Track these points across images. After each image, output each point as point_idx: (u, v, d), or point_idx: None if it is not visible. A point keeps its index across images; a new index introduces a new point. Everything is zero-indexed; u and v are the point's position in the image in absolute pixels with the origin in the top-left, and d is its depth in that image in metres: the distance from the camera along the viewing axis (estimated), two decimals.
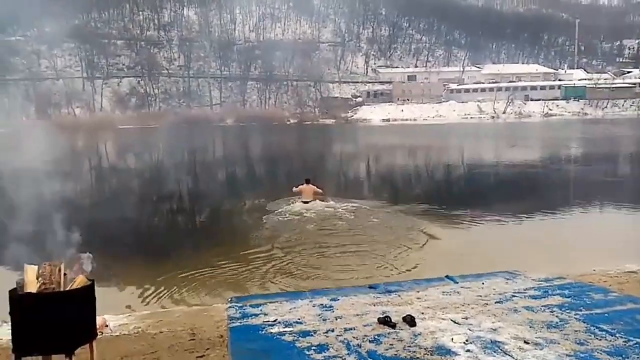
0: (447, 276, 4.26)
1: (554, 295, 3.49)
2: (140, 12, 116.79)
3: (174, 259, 8.13)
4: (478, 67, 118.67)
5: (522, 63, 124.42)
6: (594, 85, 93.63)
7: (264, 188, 15.51)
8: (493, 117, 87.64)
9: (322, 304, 3.40)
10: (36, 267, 3.05)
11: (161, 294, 6.60)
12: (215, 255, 8.32)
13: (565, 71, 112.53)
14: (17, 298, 2.99)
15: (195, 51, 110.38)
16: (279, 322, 3.05)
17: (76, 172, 25.11)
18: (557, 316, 3.05)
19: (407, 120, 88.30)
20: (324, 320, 3.08)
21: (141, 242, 9.88)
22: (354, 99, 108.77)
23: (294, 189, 12.81)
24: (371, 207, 12.22)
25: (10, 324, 3.07)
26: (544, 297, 3.45)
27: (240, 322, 3.11)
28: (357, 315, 3.15)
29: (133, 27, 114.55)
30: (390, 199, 13.33)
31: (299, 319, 3.10)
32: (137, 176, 23.24)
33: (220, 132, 62.97)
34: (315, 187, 12.74)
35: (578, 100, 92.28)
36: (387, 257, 7.90)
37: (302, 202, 12.40)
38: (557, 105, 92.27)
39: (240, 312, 3.28)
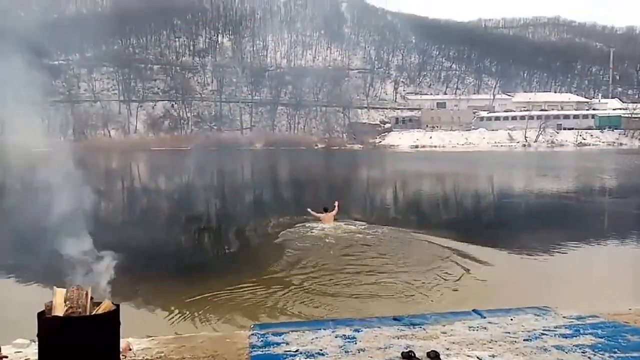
0: (474, 310, 4.16)
1: (587, 334, 3.35)
2: (177, 39, 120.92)
3: (198, 282, 8.17)
4: (509, 95, 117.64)
5: (555, 92, 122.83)
6: (630, 115, 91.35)
7: (290, 211, 15.53)
8: (524, 146, 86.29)
9: (344, 335, 3.36)
10: (64, 290, 3.12)
11: (185, 317, 6.63)
12: (238, 278, 8.33)
13: (599, 100, 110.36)
14: (45, 321, 3.06)
15: (227, 76, 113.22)
16: (301, 353, 3.02)
17: (109, 192, 25.79)
18: (589, 357, 2.93)
19: (435, 147, 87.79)
20: (346, 352, 3.04)
21: (168, 263, 9.99)
22: (382, 125, 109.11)
23: (312, 213, 13.05)
24: (397, 233, 12.09)
25: (37, 344, 3.14)
26: (576, 337, 3.31)
27: (262, 351, 3.09)
28: (380, 348, 3.09)
29: (169, 53, 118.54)
30: (417, 227, 13.15)
31: (321, 350, 3.07)
32: (167, 197, 23.69)
33: (249, 156, 63.89)
34: (333, 214, 12.99)
35: (613, 130, 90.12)
36: (412, 287, 7.76)
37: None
38: (591, 135, 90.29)
39: (262, 341, 3.27)
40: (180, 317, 6.65)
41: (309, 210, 13.28)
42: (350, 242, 11.10)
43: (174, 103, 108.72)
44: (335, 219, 12.99)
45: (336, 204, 13.25)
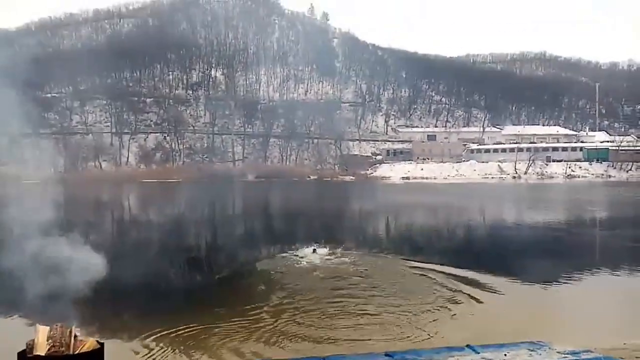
0: (467, 345, 4.10)
1: None
2: (171, 73, 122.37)
3: (186, 316, 7.99)
4: (498, 128, 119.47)
5: (543, 125, 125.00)
6: (617, 148, 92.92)
7: (281, 243, 15.43)
8: (514, 178, 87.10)
9: None
10: (47, 328, 3.03)
11: (166, 353, 6.46)
12: (228, 311, 8.19)
13: (587, 133, 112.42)
14: None
15: (220, 109, 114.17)
16: None
17: (98, 224, 25.51)
18: None
19: (426, 178, 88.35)
20: None
21: (154, 297, 9.80)
22: (374, 157, 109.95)
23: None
24: (388, 265, 12.02)
25: None
26: None
27: None
28: None
29: (163, 86, 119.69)
30: (409, 257, 13.08)
31: None
32: (156, 229, 23.45)
33: (241, 187, 63.79)
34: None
35: (601, 162, 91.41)
36: (404, 321, 7.65)
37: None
38: (580, 167, 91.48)
39: None
40: (162, 352, 6.49)
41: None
42: (339, 273, 11.03)
43: (166, 135, 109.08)
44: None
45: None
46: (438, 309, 8.25)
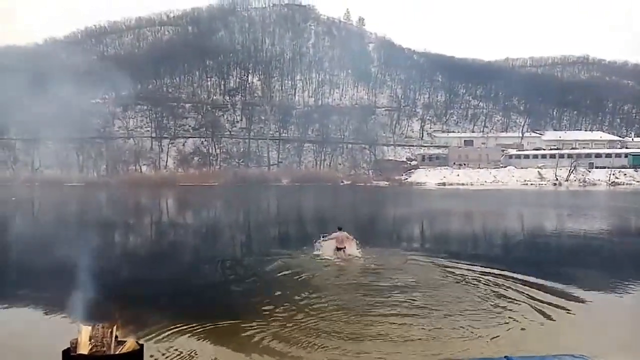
0: (506, 357, 4.00)
1: None
2: (209, 79, 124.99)
3: (224, 316, 8.10)
4: (538, 133, 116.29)
5: (585, 130, 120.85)
6: None
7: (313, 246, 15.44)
8: (555, 184, 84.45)
9: None
10: (90, 328, 3.15)
11: (199, 354, 6.57)
12: (269, 311, 8.28)
13: (633, 139, 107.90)
14: (70, 359, 3.07)
15: (256, 114, 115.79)
16: None
17: (138, 226, 26.26)
18: None
19: (463, 184, 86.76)
20: None
21: (188, 297, 9.96)
22: (409, 162, 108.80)
23: (324, 238, 13.73)
24: (426, 277, 11.83)
25: None
26: None
27: None
28: None
29: (201, 92, 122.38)
30: (446, 263, 12.83)
31: None
32: (193, 232, 23.93)
33: (275, 192, 64.34)
34: (346, 234, 13.63)
35: None
36: (437, 328, 7.50)
37: (337, 248, 13.24)
38: (625, 174, 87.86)
39: None
40: (195, 353, 6.60)
41: (321, 237, 13.94)
42: (361, 271, 11.06)
43: (203, 140, 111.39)
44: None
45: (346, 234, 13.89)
46: (462, 318, 8.05)
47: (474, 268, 12.12)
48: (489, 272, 11.55)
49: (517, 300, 9.12)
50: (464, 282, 10.72)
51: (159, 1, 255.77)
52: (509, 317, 8.06)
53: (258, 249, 17.00)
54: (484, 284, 10.49)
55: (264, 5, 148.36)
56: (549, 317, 8.15)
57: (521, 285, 10.22)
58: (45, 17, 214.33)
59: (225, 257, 14.79)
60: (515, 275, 11.14)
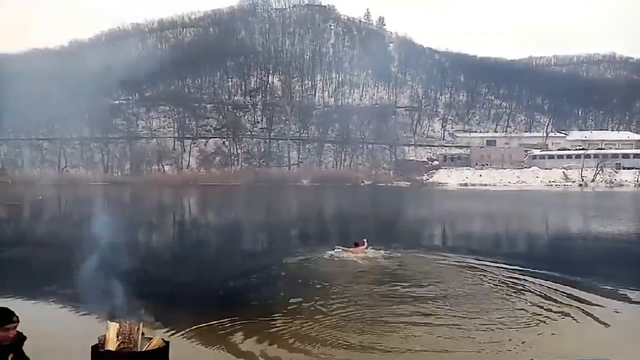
0: None
1: None
2: (230, 79, 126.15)
3: (243, 313, 8.11)
4: (563, 133, 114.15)
5: (612, 130, 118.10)
6: None
7: (334, 245, 15.38)
8: (581, 185, 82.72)
9: None
10: (117, 325, 3.16)
11: (221, 350, 6.58)
12: (295, 309, 8.26)
13: None
14: (98, 355, 3.10)
15: (277, 115, 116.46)
16: None
17: (161, 225, 26.58)
18: None
19: (486, 185, 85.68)
20: None
21: (212, 295, 10.01)
22: (430, 162, 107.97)
23: (342, 249, 13.66)
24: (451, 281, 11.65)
25: None
26: None
27: None
28: None
29: (222, 93, 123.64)
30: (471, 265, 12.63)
31: None
32: (215, 231, 24.13)
33: (295, 192, 64.50)
34: (363, 249, 13.51)
35: None
36: (462, 329, 7.36)
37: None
38: None
39: None
40: (218, 349, 6.62)
41: (338, 248, 13.79)
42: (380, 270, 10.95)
43: (225, 140, 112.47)
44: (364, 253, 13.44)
45: (365, 240, 13.89)
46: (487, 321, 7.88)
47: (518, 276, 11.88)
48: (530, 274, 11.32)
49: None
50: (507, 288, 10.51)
51: (181, 3, 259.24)
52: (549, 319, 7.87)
53: (275, 250, 17.01)
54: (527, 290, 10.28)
55: (284, 6, 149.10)
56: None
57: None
58: (71, 20, 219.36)
59: (246, 261, 14.85)
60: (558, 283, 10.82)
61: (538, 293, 9.64)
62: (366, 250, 13.64)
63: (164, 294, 9.59)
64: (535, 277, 10.86)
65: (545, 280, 10.75)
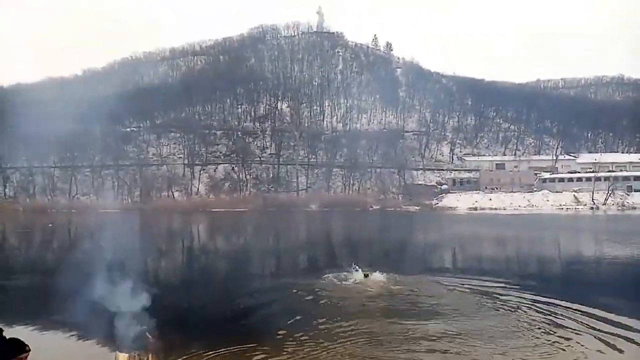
0: None
1: None
2: (239, 106, 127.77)
3: (250, 339, 8.08)
4: (573, 156, 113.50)
5: (622, 152, 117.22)
6: None
7: (344, 271, 15.28)
8: (592, 209, 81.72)
9: None
10: (127, 355, 3.20)
11: None
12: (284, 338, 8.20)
13: None
14: None
15: (285, 140, 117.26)
16: None
17: (170, 252, 26.63)
18: None
19: (496, 209, 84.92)
20: None
21: (218, 323, 9.99)
22: (439, 187, 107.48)
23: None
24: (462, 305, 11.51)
25: None
26: None
27: None
28: None
29: (232, 119, 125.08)
30: (477, 296, 12.48)
31: None
32: (224, 257, 24.12)
33: (304, 217, 64.37)
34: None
35: None
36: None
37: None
38: None
39: None
40: None
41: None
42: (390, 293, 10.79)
43: (234, 166, 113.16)
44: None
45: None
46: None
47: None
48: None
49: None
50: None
51: (192, 32, 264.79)
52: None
53: (281, 277, 16.95)
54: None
55: (293, 34, 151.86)
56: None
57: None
58: (85, 50, 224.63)
59: (252, 285, 14.81)
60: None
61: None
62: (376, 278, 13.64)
63: (171, 322, 9.59)
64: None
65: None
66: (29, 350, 3.71)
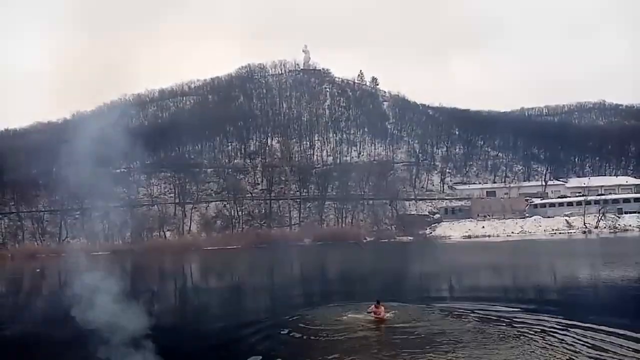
0: None
1: None
2: (229, 143, 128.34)
3: None
4: (562, 181, 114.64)
5: (610, 175, 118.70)
6: None
7: (343, 309, 15.02)
8: (585, 232, 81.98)
9: None
10: None
11: None
12: None
13: None
14: None
15: (277, 176, 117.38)
16: None
17: (162, 292, 26.12)
18: None
19: (489, 236, 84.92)
20: None
21: None
22: (432, 216, 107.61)
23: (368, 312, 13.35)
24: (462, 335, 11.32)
25: None
26: None
27: None
28: None
29: (222, 157, 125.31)
30: (478, 326, 12.30)
31: None
32: (217, 296, 23.67)
33: (298, 252, 63.79)
34: (383, 308, 13.23)
35: None
36: None
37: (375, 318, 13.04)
38: None
39: None
40: None
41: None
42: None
43: (226, 203, 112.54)
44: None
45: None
46: None
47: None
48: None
49: None
50: None
51: (181, 73, 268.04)
52: None
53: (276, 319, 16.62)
54: None
55: (280, 72, 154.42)
56: None
57: None
58: (73, 94, 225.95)
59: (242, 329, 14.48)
60: None
61: None
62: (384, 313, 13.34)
63: None
64: None
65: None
66: None
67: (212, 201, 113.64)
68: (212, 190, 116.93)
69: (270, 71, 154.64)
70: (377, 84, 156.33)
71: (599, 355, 8.84)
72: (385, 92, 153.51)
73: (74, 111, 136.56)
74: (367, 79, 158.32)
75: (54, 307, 20.68)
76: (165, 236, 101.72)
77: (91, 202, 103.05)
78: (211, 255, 66.34)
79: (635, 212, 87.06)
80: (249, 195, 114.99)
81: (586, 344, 9.77)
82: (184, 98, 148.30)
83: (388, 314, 13.19)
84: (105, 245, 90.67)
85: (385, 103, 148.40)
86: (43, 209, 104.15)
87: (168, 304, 21.87)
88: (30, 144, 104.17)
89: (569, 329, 10.83)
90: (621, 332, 10.31)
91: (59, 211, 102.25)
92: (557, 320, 11.62)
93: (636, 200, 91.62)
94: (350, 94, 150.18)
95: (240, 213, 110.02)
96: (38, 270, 45.29)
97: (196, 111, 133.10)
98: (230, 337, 12.02)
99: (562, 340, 10.05)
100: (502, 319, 12.34)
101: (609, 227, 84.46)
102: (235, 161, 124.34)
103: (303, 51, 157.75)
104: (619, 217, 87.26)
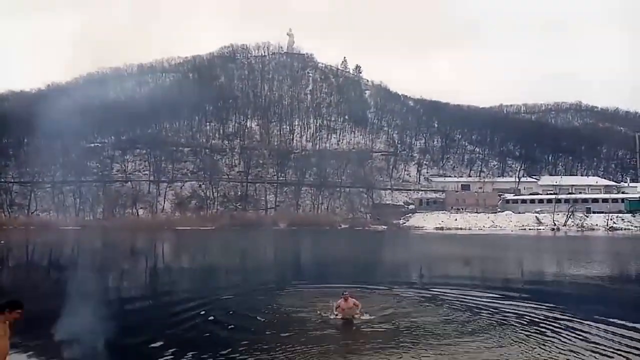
0: None
1: None
2: (208, 123, 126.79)
3: None
4: (535, 178, 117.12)
5: (581, 175, 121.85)
6: None
7: (312, 295, 15.12)
8: (553, 230, 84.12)
9: None
10: None
11: None
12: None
13: (629, 184, 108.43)
14: None
15: (254, 158, 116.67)
16: None
17: (132, 271, 25.83)
18: None
19: (461, 229, 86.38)
20: None
21: (181, 344, 9.66)
22: (407, 206, 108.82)
23: (334, 305, 12.26)
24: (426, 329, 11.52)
25: None
26: None
27: None
28: None
29: (200, 136, 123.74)
30: (444, 318, 12.55)
31: None
32: (188, 276, 23.55)
33: (272, 235, 63.83)
34: (354, 301, 12.20)
35: None
36: None
37: (341, 318, 11.86)
38: (622, 219, 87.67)
39: None
40: None
41: (334, 307, 12.31)
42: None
43: (201, 183, 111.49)
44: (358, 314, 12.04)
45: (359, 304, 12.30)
46: None
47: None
48: None
49: None
50: None
51: (161, 49, 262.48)
52: None
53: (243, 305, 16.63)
54: None
55: (263, 54, 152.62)
56: None
57: None
58: (49, 64, 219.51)
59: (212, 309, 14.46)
60: None
61: None
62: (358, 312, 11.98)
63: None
64: None
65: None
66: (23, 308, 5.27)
67: (187, 181, 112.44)
68: (188, 169, 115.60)
69: (253, 52, 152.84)
70: (361, 72, 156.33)
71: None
72: (368, 80, 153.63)
73: (49, 82, 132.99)
74: (351, 66, 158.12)
75: (14, 281, 20.24)
76: (138, 214, 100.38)
77: (63, 175, 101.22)
78: (184, 235, 65.80)
79: (602, 212, 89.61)
80: (226, 176, 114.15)
81: (551, 327, 10.06)
82: (164, 75, 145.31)
83: (358, 311, 11.99)
84: (75, 220, 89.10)
85: (367, 92, 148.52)
86: (12, 180, 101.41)
87: (138, 283, 21.63)
88: (0, 112, 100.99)
89: (535, 312, 11.13)
90: (601, 321, 10.60)
91: (29, 183, 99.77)
92: (526, 305, 11.92)
93: (604, 200, 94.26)
94: (333, 80, 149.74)
95: (215, 194, 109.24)
96: (2, 242, 44.16)
97: (175, 89, 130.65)
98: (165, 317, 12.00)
99: (532, 322, 10.33)
100: (471, 306, 12.58)
101: (577, 225, 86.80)
102: (213, 142, 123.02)
103: (287, 34, 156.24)
104: (587, 217, 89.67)
